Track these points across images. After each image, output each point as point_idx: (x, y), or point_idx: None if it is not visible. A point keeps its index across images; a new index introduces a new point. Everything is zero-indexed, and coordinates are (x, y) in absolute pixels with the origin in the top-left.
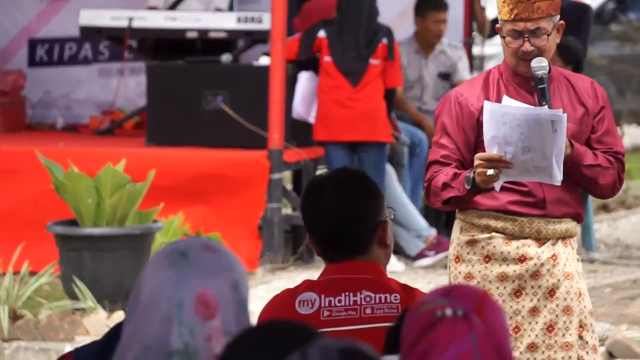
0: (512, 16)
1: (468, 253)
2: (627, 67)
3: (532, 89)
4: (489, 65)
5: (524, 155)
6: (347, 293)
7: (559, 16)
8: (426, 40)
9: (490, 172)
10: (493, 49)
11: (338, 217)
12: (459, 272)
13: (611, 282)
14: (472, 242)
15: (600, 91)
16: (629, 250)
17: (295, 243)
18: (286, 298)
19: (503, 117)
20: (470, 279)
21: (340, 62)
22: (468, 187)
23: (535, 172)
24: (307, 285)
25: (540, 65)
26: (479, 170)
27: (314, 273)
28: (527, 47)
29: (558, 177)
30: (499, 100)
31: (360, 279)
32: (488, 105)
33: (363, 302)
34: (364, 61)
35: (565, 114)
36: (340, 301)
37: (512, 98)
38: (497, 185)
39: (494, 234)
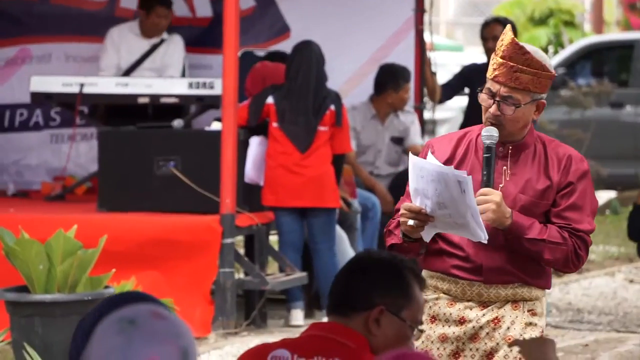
0: (492, 76)
1: None
2: (577, 132)
3: (500, 153)
4: (441, 130)
5: (441, 211)
6: (319, 357)
7: (543, 95)
8: (388, 108)
9: (410, 222)
10: (444, 114)
11: (343, 274)
12: None
13: (563, 346)
14: None
15: (576, 166)
16: (580, 314)
17: (248, 308)
18: (259, 352)
19: (421, 171)
20: (416, 339)
21: (288, 129)
22: (401, 235)
23: (458, 228)
24: (283, 342)
25: (489, 134)
26: (401, 219)
27: (267, 338)
28: (494, 110)
29: (482, 235)
30: (463, 159)
31: (339, 344)
32: (412, 159)
33: None
34: (312, 128)
35: (470, 177)
36: None
37: (480, 158)
38: (426, 236)
39: (441, 294)
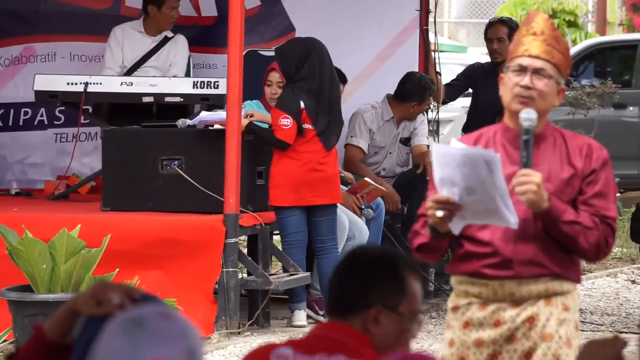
0: (522, 52)
1: (452, 320)
2: (580, 132)
3: (520, 144)
4: (444, 130)
5: (470, 197)
6: (321, 354)
7: (563, 81)
8: (407, 115)
9: (439, 213)
10: (448, 114)
11: (337, 275)
12: (445, 339)
13: None
14: (454, 309)
15: (598, 154)
16: (582, 315)
17: (251, 307)
18: (264, 350)
19: (445, 157)
20: (452, 346)
21: (319, 129)
22: (429, 232)
23: (488, 215)
24: (287, 342)
25: (528, 116)
26: (429, 212)
27: (270, 338)
28: (527, 81)
29: (511, 219)
30: None
31: (341, 342)
32: (434, 147)
33: None
34: (339, 127)
35: (499, 154)
36: None
37: (501, 154)
38: (455, 229)
39: (472, 299)
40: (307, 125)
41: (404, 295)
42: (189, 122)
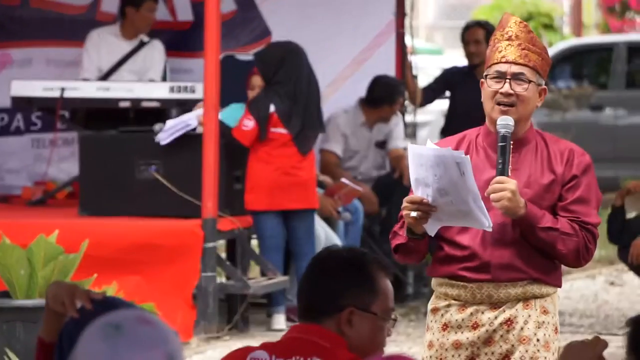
0: (499, 59)
1: (431, 321)
2: (558, 134)
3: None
4: (421, 133)
5: (443, 198)
6: (297, 357)
7: (544, 81)
8: (379, 118)
9: (413, 214)
10: (425, 117)
11: (307, 279)
12: (424, 341)
13: None
14: (434, 311)
15: (579, 159)
16: (561, 317)
17: (230, 312)
18: (239, 354)
19: (420, 158)
20: (431, 348)
21: (293, 132)
22: (406, 233)
23: (462, 217)
24: (263, 345)
25: (505, 123)
26: (404, 212)
27: (249, 342)
28: (507, 88)
29: (485, 222)
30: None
31: (316, 345)
32: (410, 148)
33: None
34: (315, 131)
35: (468, 157)
36: None
37: (482, 158)
38: (431, 230)
39: (452, 301)
40: (279, 129)
41: (376, 295)
42: (164, 135)
